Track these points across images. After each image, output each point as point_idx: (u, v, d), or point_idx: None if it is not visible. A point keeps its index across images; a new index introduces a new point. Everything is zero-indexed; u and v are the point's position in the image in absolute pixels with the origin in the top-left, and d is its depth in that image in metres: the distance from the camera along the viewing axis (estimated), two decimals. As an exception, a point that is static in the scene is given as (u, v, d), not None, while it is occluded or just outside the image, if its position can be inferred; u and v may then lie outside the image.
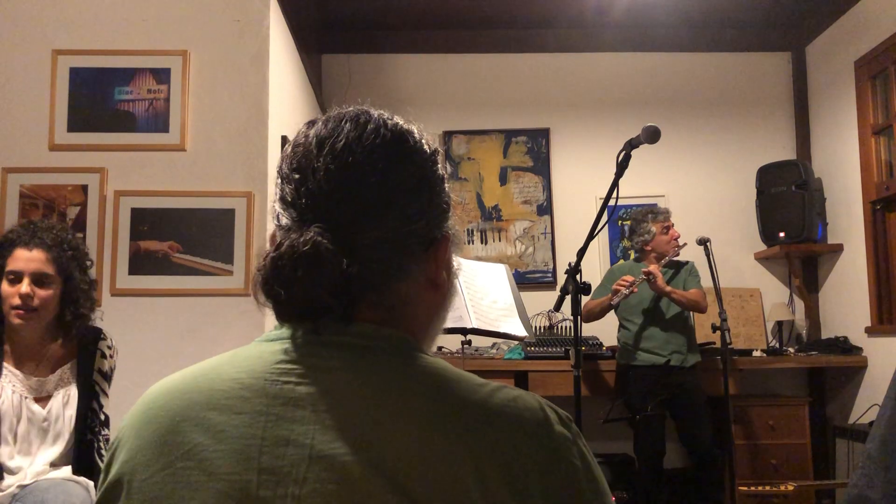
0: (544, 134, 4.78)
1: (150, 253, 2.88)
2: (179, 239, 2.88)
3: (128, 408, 0.74)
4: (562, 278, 3.35)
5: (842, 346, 4.19)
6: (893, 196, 3.94)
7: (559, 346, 3.97)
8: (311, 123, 0.75)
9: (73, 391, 2.08)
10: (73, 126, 2.94)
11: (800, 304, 4.66)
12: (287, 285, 0.67)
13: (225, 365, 0.70)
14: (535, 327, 4.28)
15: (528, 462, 0.63)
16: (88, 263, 2.16)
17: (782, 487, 3.35)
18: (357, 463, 0.61)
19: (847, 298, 4.33)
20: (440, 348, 4.26)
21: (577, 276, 2.43)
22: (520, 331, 2.76)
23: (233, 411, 0.65)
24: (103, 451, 2.06)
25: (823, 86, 4.60)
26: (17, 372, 2.03)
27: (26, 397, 2.01)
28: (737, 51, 4.84)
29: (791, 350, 4.36)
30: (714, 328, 3.49)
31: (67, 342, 2.11)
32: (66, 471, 2.04)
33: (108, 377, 2.16)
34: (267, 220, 2.89)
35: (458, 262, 0.81)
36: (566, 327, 4.28)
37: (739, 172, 4.68)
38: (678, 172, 4.71)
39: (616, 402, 3.38)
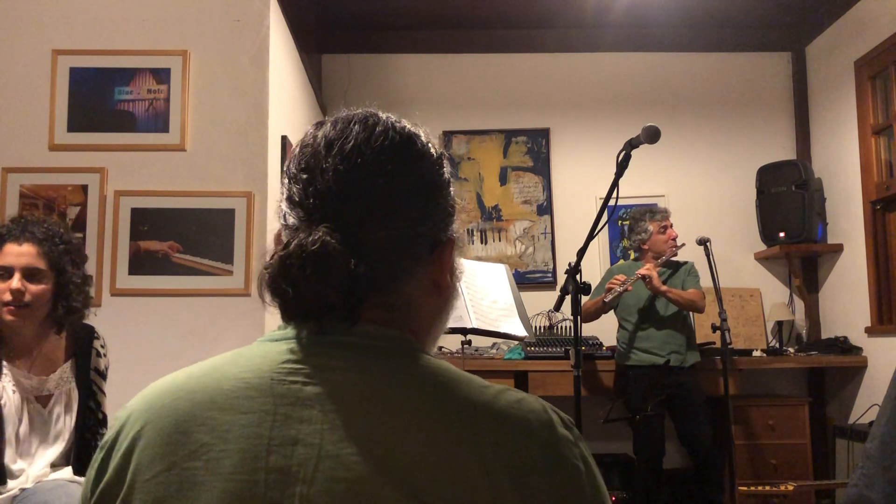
0: (544, 134, 4.78)
1: (151, 253, 2.88)
2: (179, 239, 2.88)
3: (127, 408, 0.73)
4: (562, 278, 3.35)
5: (842, 346, 4.19)
6: (893, 196, 3.94)
7: (559, 346, 3.97)
8: (319, 124, 0.76)
9: (74, 391, 2.06)
10: (73, 126, 2.94)
11: (800, 304, 4.66)
12: (295, 284, 0.67)
13: (228, 364, 0.70)
14: (535, 327, 4.28)
15: (535, 463, 0.64)
16: (82, 258, 2.10)
17: (782, 487, 3.35)
18: (366, 463, 0.61)
19: (847, 298, 4.33)
20: (440, 348, 4.26)
21: (577, 276, 2.43)
22: (520, 331, 2.76)
23: (239, 411, 0.65)
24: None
25: (823, 86, 4.61)
26: (18, 371, 1.99)
27: (27, 397, 1.98)
28: (737, 51, 4.84)
29: (791, 350, 4.36)
30: (714, 328, 3.49)
31: (62, 339, 2.07)
32: (67, 471, 2.02)
33: (104, 376, 2.14)
34: (267, 220, 2.89)
35: (461, 265, 0.81)
36: (566, 327, 4.28)
37: (739, 172, 4.68)
38: (678, 172, 4.71)
39: (616, 402, 3.38)
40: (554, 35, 4.82)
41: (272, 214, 0.79)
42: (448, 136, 4.76)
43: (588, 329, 3.96)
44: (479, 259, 4.08)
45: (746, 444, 3.94)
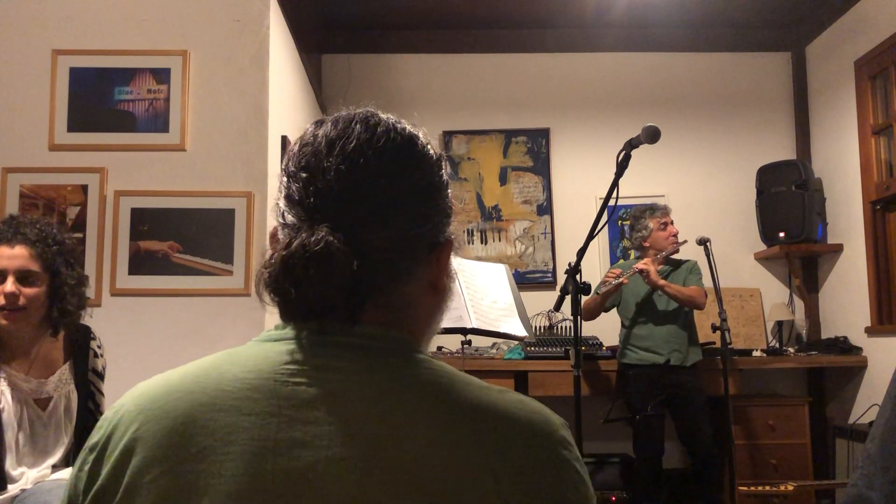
0: (544, 134, 4.78)
1: (150, 253, 2.88)
2: (179, 239, 2.88)
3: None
4: (562, 278, 3.35)
5: (842, 346, 4.19)
6: (893, 196, 3.94)
7: (559, 346, 3.97)
8: (318, 123, 0.76)
9: (73, 392, 2.05)
10: (73, 126, 2.94)
11: (800, 304, 4.66)
12: (297, 284, 0.67)
13: (226, 365, 0.69)
14: (535, 327, 4.28)
15: (539, 463, 0.65)
16: (77, 257, 2.06)
17: (782, 487, 3.35)
18: (374, 464, 0.61)
19: (847, 298, 4.33)
20: (440, 348, 4.26)
21: (577, 276, 2.43)
22: (520, 331, 2.76)
23: (241, 412, 0.64)
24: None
25: (823, 86, 4.60)
26: (16, 374, 1.97)
27: (26, 400, 1.97)
28: (737, 51, 4.84)
29: (791, 350, 4.36)
30: (714, 328, 3.49)
31: (59, 340, 2.05)
32: (68, 472, 2.01)
33: (101, 376, 2.13)
34: (267, 220, 2.89)
35: (456, 265, 0.81)
36: (566, 327, 4.28)
37: (739, 172, 4.68)
38: (678, 172, 4.71)
39: (616, 402, 3.38)
40: (554, 35, 4.82)
41: (272, 214, 0.78)
42: (448, 136, 4.76)
43: (588, 329, 3.96)
44: (479, 259, 4.08)
45: (746, 444, 3.93)
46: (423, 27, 4.81)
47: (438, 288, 0.76)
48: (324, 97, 4.66)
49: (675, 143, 4.58)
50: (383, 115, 0.76)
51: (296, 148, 0.75)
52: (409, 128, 0.76)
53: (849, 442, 3.85)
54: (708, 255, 3.61)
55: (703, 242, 3.66)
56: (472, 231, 4.72)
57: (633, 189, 4.31)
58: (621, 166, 2.39)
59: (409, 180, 0.73)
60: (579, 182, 4.71)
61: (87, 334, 2.11)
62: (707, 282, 3.69)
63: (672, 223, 3.80)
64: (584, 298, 3.68)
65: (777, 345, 4.54)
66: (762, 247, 4.59)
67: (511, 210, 4.74)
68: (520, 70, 4.84)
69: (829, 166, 4.53)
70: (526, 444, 0.65)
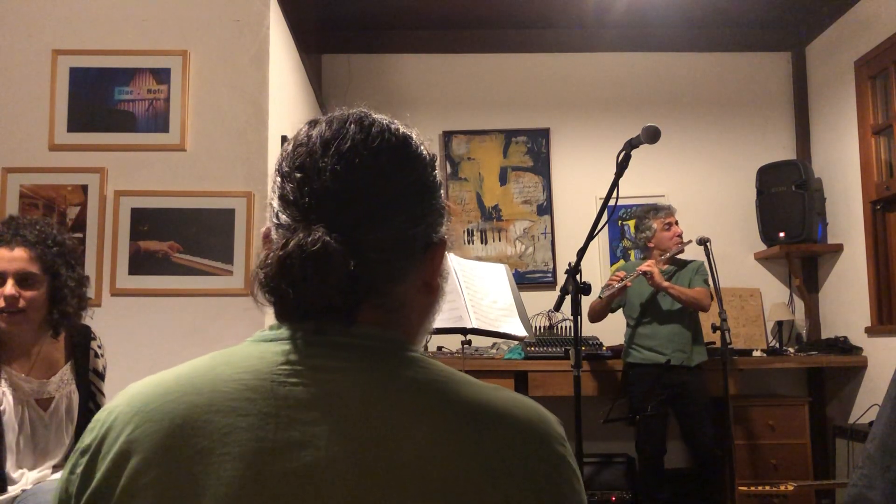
0: (544, 134, 4.78)
1: (151, 253, 2.88)
2: (179, 239, 2.88)
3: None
4: (562, 278, 3.35)
5: (842, 346, 4.19)
6: (893, 196, 3.94)
7: (559, 346, 3.97)
8: (312, 123, 0.75)
9: (74, 393, 2.05)
10: (73, 126, 2.94)
11: (800, 304, 4.66)
12: (295, 284, 0.66)
13: (222, 365, 0.69)
14: (535, 327, 4.28)
15: (537, 461, 0.65)
16: (77, 258, 2.05)
17: (782, 487, 3.35)
18: (373, 463, 0.61)
19: (847, 298, 4.33)
20: (440, 348, 4.26)
21: (577, 276, 2.43)
22: (520, 331, 2.75)
23: (238, 413, 0.64)
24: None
25: (823, 86, 4.60)
26: (17, 375, 1.97)
27: (27, 401, 1.97)
28: (737, 51, 4.84)
29: (791, 350, 4.36)
30: (714, 328, 3.48)
31: (60, 341, 2.05)
32: (67, 472, 2.01)
33: (102, 376, 2.13)
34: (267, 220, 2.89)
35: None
36: (566, 327, 4.28)
37: (739, 172, 4.68)
38: (678, 172, 4.71)
39: (616, 401, 3.38)
40: (554, 35, 4.81)
41: (268, 212, 0.78)
42: (448, 136, 4.76)
43: (588, 329, 3.95)
44: (479, 259, 4.08)
45: (746, 444, 3.93)
46: (422, 27, 4.81)
47: (432, 287, 0.77)
48: (323, 97, 4.66)
49: (675, 143, 4.58)
50: (377, 116, 0.76)
51: (289, 148, 0.74)
52: (402, 128, 0.76)
53: (849, 442, 3.85)
54: (708, 255, 3.60)
55: (703, 242, 3.66)
56: (472, 231, 4.72)
57: (633, 189, 4.31)
58: (621, 166, 2.39)
59: (404, 180, 0.73)
60: (579, 182, 4.71)
61: (87, 334, 2.11)
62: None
63: (676, 223, 3.79)
64: (589, 301, 3.72)
65: (777, 345, 4.54)
66: (762, 247, 4.59)
67: (511, 210, 4.74)
68: (520, 70, 4.84)
69: (829, 166, 4.53)
70: (524, 441, 0.65)
